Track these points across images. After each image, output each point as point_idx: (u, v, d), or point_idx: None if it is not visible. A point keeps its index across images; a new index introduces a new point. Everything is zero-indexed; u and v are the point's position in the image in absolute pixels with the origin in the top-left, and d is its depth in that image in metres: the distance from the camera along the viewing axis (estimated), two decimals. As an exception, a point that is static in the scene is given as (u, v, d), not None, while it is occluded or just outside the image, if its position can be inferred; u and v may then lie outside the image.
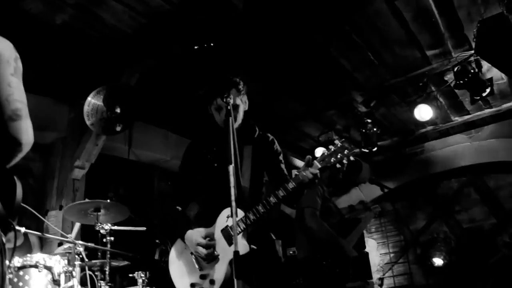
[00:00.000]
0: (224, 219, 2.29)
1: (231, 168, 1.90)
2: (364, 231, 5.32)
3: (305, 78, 4.97)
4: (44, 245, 4.06)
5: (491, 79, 4.76)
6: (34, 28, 3.60)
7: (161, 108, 5.17)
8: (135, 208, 3.71)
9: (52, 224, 3.95)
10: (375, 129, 5.67)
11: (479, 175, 6.86)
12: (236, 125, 2.35)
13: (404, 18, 4.10)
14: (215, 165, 2.46)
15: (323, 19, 4.02)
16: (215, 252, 2.26)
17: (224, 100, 2.19)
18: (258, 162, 2.51)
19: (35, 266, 2.83)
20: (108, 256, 3.39)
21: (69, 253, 3.22)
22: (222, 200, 2.14)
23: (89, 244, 3.28)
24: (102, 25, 3.70)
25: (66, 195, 4.38)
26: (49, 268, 2.88)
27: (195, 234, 2.30)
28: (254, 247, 2.19)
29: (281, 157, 2.59)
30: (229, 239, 2.24)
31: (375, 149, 5.83)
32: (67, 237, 3.24)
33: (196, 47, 3.91)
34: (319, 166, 2.26)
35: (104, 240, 3.45)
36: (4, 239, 1.42)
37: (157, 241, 4.21)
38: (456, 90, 5.26)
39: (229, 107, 2.14)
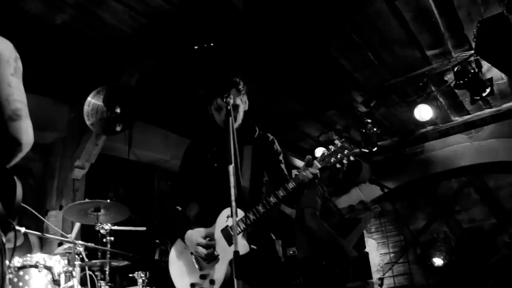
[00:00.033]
0: (224, 219, 2.29)
1: (231, 168, 1.90)
2: (364, 231, 5.32)
3: (305, 78, 4.97)
4: (44, 245, 4.05)
5: (491, 79, 4.76)
6: (34, 28, 3.60)
7: (161, 108, 5.17)
8: (135, 208, 3.70)
9: (52, 224, 3.94)
10: (375, 129, 5.67)
11: (479, 175, 6.86)
12: (236, 125, 2.35)
13: (404, 18, 4.10)
14: (215, 165, 2.46)
15: (323, 19, 4.02)
16: (215, 252, 2.25)
17: (224, 100, 2.19)
18: (258, 162, 2.51)
19: (35, 266, 2.82)
20: (108, 256, 3.39)
21: (69, 253, 3.22)
22: (222, 200, 2.14)
23: (89, 244, 3.28)
24: (102, 25, 3.70)
25: (66, 195, 4.38)
26: (49, 268, 2.88)
27: (195, 234, 2.30)
28: (254, 247, 2.19)
29: (281, 157, 2.59)
30: (229, 239, 2.24)
31: (375, 149, 5.83)
32: (67, 237, 3.24)
33: (196, 47, 3.91)
34: (319, 166, 2.25)
35: (104, 240, 3.45)
36: (4, 239, 1.42)
37: (157, 241, 4.21)
38: (456, 90, 5.25)
39: (229, 107, 2.13)
